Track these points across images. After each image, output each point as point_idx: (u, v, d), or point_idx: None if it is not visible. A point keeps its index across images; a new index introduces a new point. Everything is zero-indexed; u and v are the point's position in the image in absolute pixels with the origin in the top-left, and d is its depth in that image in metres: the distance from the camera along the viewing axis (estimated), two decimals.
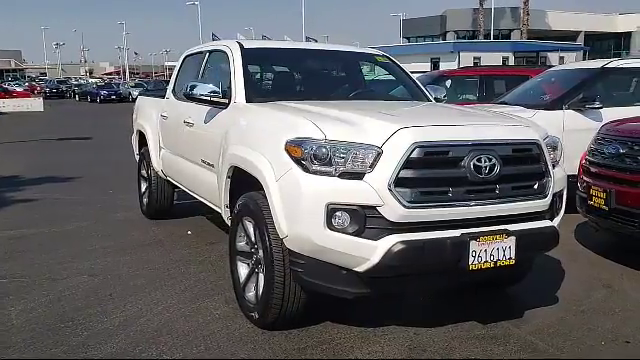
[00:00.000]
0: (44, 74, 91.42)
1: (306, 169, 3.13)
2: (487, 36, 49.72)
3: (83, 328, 3.66)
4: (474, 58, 37.19)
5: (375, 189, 3.03)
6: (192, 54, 5.83)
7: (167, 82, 29.47)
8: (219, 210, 4.50)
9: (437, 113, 4.07)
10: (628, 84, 7.31)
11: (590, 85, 6.83)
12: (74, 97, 48.61)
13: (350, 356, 3.33)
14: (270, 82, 4.85)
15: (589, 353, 3.29)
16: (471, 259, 3.15)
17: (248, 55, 4.54)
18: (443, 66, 32.87)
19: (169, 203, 6.47)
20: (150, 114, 6.28)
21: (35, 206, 7.33)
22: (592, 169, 5.22)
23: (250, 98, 4.24)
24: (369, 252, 3.05)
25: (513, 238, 3.26)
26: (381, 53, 5.34)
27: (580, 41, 54.46)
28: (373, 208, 3.05)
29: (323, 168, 3.10)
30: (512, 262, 3.27)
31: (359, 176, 3.08)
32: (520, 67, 18.15)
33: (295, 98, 4.33)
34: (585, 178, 5.25)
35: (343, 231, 3.07)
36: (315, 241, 3.10)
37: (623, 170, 4.81)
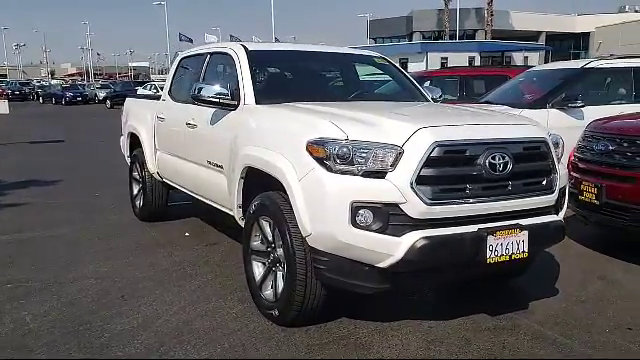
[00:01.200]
0: (4, 76, 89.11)
1: (329, 169, 3.22)
2: (452, 36, 50.55)
3: (103, 330, 3.67)
4: (441, 58, 37.78)
5: (398, 187, 3.14)
6: (189, 56, 5.86)
7: (135, 83, 29.11)
8: (226, 210, 4.56)
9: (449, 114, 4.19)
10: (606, 83, 7.59)
11: (571, 84, 7.09)
12: (37, 99, 47.58)
13: (371, 350, 3.43)
14: (276, 84, 4.90)
15: (590, 353, 3.44)
16: (488, 253, 3.29)
17: (253, 57, 4.60)
18: (412, 67, 33.30)
19: (164, 205, 6.47)
20: (144, 116, 6.27)
21: (25, 210, 7.23)
22: (581, 165, 5.43)
23: (259, 100, 4.30)
24: (393, 248, 3.16)
25: (526, 232, 3.41)
26: (379, 55, 5.46)
27: (542, 41, 55.71)
28: (396, 205, 3.16)
29: (346, 167, 3.20)
30: (525, 255, 3.42)
31: (381, 175, 3.18)
32: (499, 67, 18.52)
33: (302, 100, 4.40)
34: (574, 174, 5.45)
35: (367, 228, 3.17)
36: (340, 238, 3.19)
37: (613, 166, 5.03)
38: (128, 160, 7.01)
